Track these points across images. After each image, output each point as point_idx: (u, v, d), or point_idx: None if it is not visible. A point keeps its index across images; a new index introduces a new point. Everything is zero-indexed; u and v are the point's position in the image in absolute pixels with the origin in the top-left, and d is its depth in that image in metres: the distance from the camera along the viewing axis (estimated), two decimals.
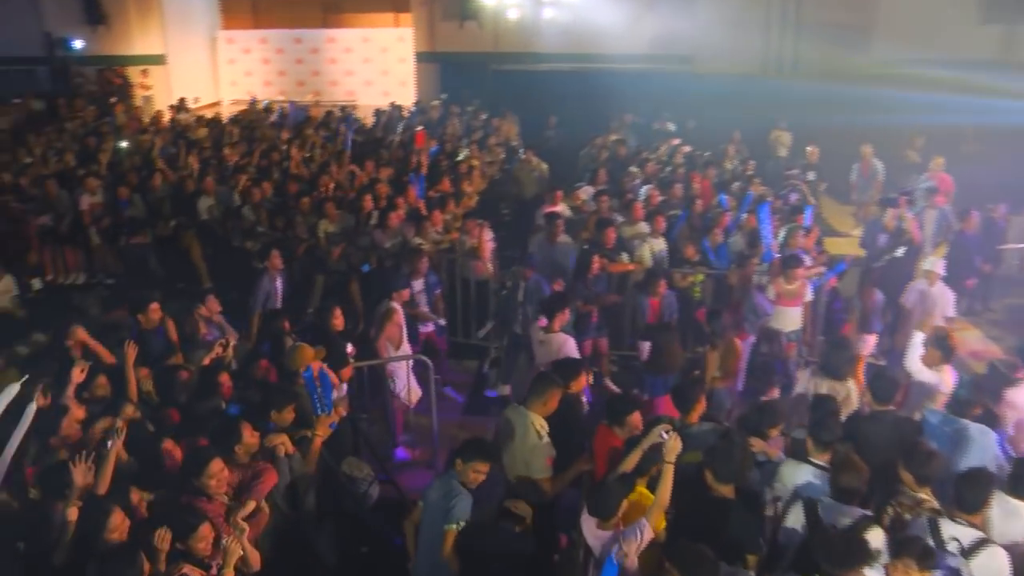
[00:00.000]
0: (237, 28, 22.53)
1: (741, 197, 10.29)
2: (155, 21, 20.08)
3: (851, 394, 5.87)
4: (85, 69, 19.70)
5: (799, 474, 4.64)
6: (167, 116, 16.59)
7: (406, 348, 7.66)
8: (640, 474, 4.75)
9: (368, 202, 9.90)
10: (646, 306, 7.99)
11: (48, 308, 9.98)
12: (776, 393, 7.57)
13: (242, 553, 4.33)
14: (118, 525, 4.19)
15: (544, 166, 12.43)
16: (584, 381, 5.92)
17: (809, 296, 7.78)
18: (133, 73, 19.88)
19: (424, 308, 8.41)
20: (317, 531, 5.59)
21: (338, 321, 6.90)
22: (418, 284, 8.33)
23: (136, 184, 11.21)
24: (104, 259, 11.22)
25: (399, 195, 10.29)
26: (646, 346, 7.47)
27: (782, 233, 8.70)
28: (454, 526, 4.52)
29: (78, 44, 19.22)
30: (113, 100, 17.88)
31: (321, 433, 5.44)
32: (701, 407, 5.38)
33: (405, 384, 7.47)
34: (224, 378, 5.73)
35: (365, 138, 14.61)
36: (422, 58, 20.46)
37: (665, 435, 4.53)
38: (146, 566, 3.97)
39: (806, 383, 6.16)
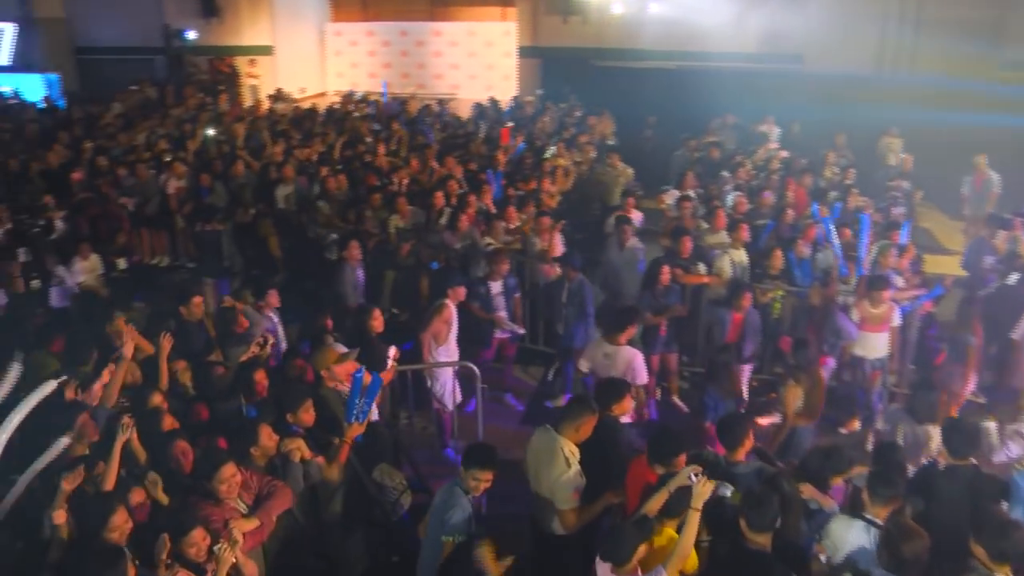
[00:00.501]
0: (346, 21, 22.93)
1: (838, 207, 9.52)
2: (264, 13, 20.70)
3: (935, 441, 5.21)
4: (198, 59, 20.50)
5: (851, 533, 4.06)
6: (267, 105, 17.00)
7: (452, 347, 7.42)
8: (669, 515, 4.30)
9: (439, 199, 9.70)
10: (727, 321, 7.40)
11: (131, 287, 10.29)
12: (856, 426, 6.91)
13: (234, 562, 4.16)
14: (119, 525, 4.09)
15: (629, 171, 11.87)
16: (628, 405, 5.45)
17: (897, 321, 7.03)
18: (241, 63, 20.57)
19: (502, 313, 8.15)
20: (344, 539, 5.40)
21: (377, 322, 6.70)
22: (496, 286, 8.11)
23: (220, 171, 11.41)
24: (187, 243, 11.53)
25: (476, 191, 10.07)
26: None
27: (874, 250, 7.94)
28: (451, 539, 4.30)
29: (192, 35, 19.97)
30: (220, 88, 18.49)
31: (348, 441, 5.24)
32: (748, 444, 4.85)
33: (445, 387, 7.22)
34: (260, 376, 5.59)
35: (449, 133, 14.46)
36: (524, 53, 20.20)
37: (695, 478, 4.07)
38: (131, 570, 3.86)
39: (889, 420, 5.51)
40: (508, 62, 21.11)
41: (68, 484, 4.11)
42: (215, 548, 4.13)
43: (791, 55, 16.64)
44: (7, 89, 18.91)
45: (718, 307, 7.62)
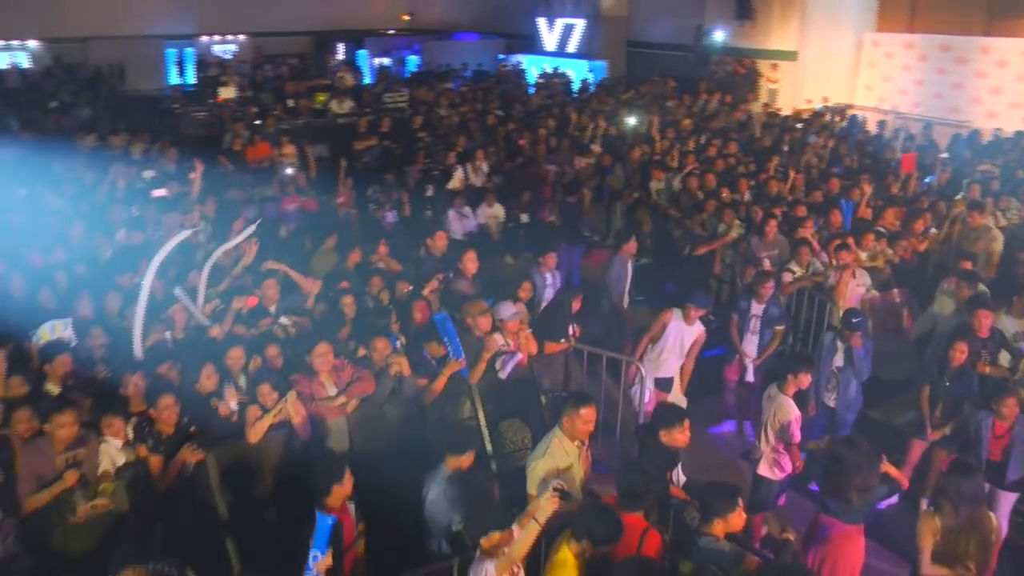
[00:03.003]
0: (890, 31, 21.64)
1: None
2: (795, 18, 20.85)
3: None
4: (724, 58, 21.82)
5: None
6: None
7: (672, 360, 7.49)
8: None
9: (757, 213, 9.46)
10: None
11: (521, 239, 12.26)
12: None
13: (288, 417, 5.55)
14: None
15: None
16: (681, 438, 5.21)
17: None
18: (763, 66, 21.22)
19: (752, 337, 7.92)
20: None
21: (576, 303, 7.34)
22: (756, 308, 7.90)
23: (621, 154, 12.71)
24: (590, 214, 13.10)
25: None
26: None
27: None
28: None
29: (719, 35, 21.34)
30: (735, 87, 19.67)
31: (447, 372, 6.19)
32: (736, 523, 4.36)
33: (640, 393, 7.34)
34: (419, 306, 6.93)
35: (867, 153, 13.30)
36: None
37: (551, 491, 4.07)
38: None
39: None
40: None
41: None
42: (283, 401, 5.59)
43: None
44: (549, 69, 23.27)
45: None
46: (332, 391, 5.92)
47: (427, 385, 6.20)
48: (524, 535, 4.04)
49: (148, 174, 10.74)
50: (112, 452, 5.11)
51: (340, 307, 7.02)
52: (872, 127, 16.86)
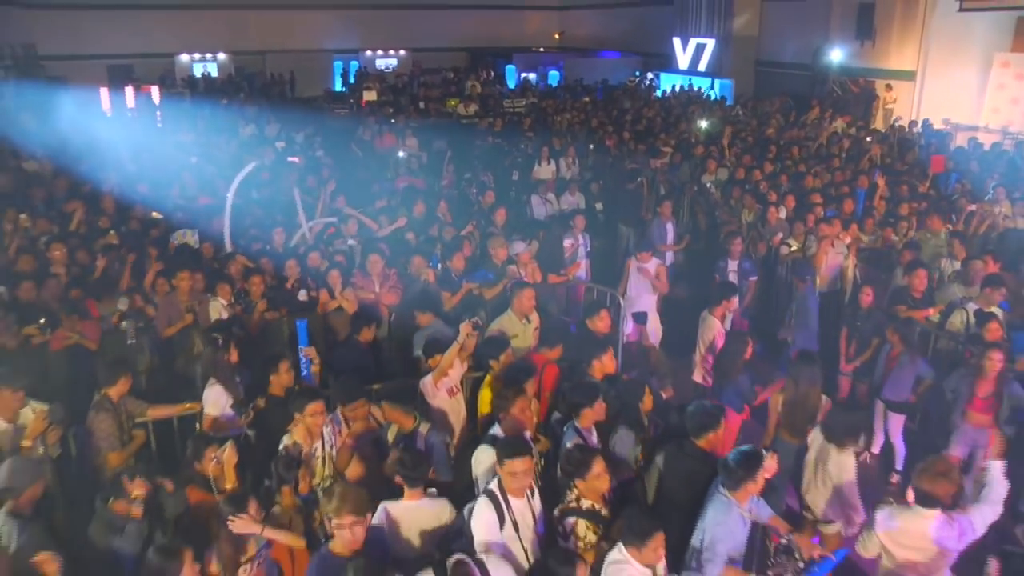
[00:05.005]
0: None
1: None
2: (914, 38, 21.61)
3: None
4: (842, 78, 22.91)
5: None
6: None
7: (643, 296, 9.43)
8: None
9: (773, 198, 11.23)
10: None
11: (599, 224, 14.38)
12: None
13: None
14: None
15: None
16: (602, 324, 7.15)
17: None
18: (879, 86, 22.15)
19: None
20: None
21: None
22: (732, 265, 9.71)
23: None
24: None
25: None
26: None
27: None
28: None
29: (836, 54, 22.47)
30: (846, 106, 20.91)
31: (462, 292, 8.43)
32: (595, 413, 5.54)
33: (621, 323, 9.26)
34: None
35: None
36: None
37: (471, 324, 6.24)
38: None
39: None
40: None
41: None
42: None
43: None
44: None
45: None
46: (376, 288, 8.39)
47: (448, 296, 8.49)
48: (448, 353, 6.25)
49: (279, 145, 13.95)
50: (219, 308, 7.77)
51: (407, 239, 9.61)
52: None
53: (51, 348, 7.13)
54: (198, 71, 30.34)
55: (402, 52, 34.79)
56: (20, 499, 4.42)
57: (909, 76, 21.94)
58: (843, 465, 5.66)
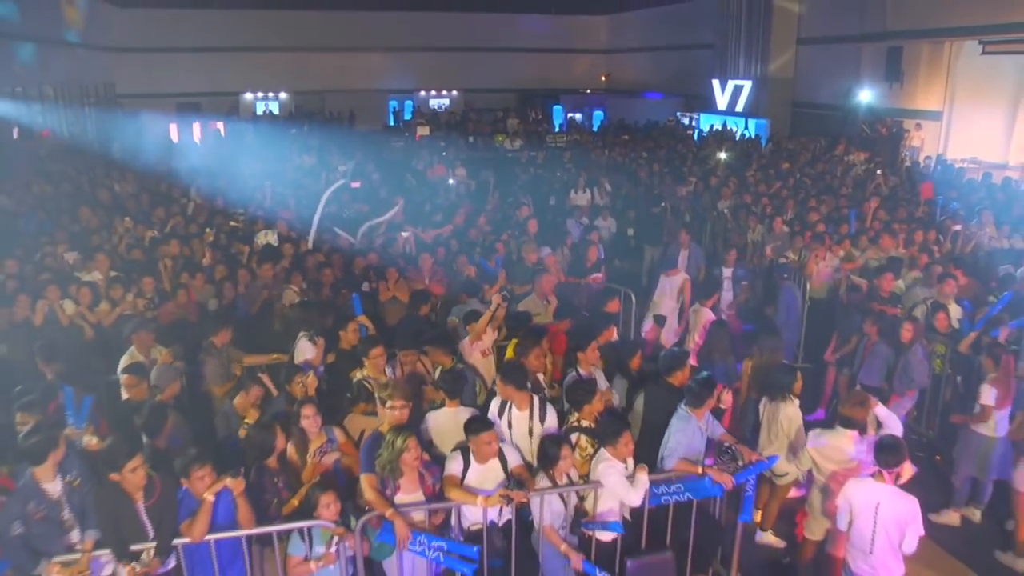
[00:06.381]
0: None
1: None
2: (940, 79, 22.94)
3: None
4: (869, 119, 24.33)
5: None
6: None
7: (664, 302, 10.98)
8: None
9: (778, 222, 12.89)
10: None
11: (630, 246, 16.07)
12: None
13: None
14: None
15: None
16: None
17: None
18: (909, 125, 23.51)
19: (727, 294, 11.19)
20: None
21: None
22: (727, 272, 11.22)
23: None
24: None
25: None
26: None
27: None
28: None
29: (864, 95, 23.93)
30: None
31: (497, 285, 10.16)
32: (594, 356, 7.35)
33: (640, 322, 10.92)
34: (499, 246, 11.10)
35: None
36: None
37: (501, 295, 7.92)
38: None
39: None
40: None
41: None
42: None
43: None
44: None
45: None
46: (426, 280, 10.14)
47: (487, 288, 10.17)
48: (482, 319, 7.88)
49: (343, 168, 16.03)
50: (292, 295, 9.55)
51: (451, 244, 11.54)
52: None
53: (160, 320, 9.00)
54: (260, 109, 33.02)
55: (455, 92, 37.18)
56: (164, 394, 6.25)
57: (936, 116, 23.21)
58: (791, 416, 6.98)
